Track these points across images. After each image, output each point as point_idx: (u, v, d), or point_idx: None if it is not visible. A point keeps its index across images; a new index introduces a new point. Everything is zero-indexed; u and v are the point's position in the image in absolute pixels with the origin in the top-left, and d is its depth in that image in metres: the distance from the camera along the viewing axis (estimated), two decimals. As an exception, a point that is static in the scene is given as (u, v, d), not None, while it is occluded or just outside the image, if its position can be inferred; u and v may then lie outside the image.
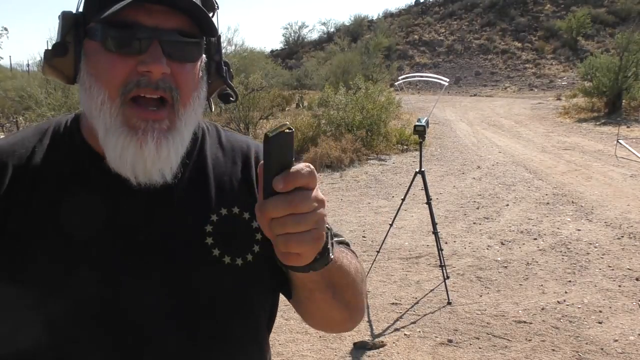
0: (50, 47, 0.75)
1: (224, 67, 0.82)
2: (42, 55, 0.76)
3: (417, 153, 5.05)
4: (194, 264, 0.77)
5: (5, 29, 14.53)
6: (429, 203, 4.04)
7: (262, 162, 0.61)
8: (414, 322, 3.63)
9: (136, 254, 0.75)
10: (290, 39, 38.92)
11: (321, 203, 0.62)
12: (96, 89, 0.73)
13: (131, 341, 0.74)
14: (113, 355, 0.74)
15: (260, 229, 0.75)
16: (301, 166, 0.60)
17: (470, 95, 22.65)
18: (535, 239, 5.17)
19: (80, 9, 0.76)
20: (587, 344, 3.27)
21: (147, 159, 0.71)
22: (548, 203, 6.33)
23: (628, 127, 11.69)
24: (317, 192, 0.62)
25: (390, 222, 4.29)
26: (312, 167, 0.61)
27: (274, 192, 0.59)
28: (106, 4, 0.70)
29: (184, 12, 0.72)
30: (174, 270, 0.76)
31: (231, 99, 0.86)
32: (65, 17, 0.74)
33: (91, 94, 0.73)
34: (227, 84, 0.84)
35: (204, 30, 0.75)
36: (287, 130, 0.60)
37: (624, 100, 13.70)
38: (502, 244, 5.08)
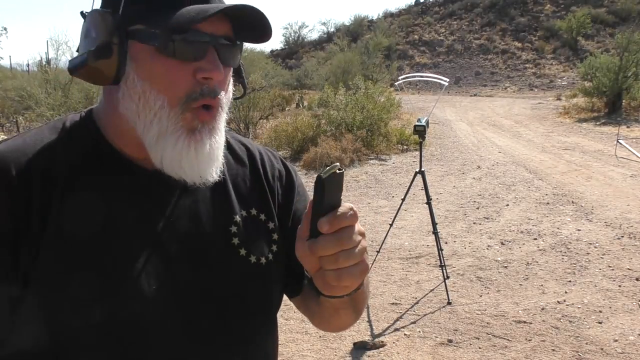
0: (92, 48, 0.71)
1: (242, 68, 0.85)
2: (80, 56, 0.73)
3: (417, 153, 5.05)
4: (225, 265, 0.79)
5: (5, 29, 14.55)
6: (429, 203, 4.04)
7: (310, 199, 0.65)
8: (414, 322, 3.63)
9: (177, 260, 0.76)
10: (290, 39, 38.93)
11: (363, 236, 0.68)
12: (153, 95, 0.72)
13: (169, 346, 0.74)
14: None
15: (276, 230, 0.85)
16: (347, 209, 0.64)
17: (470, 95, 22.64)
18: (535, 239, 5.17)
19: (114, 9, 0.72)
20: (587, 344, 3.27)
21: (204, 160, 0.74)
22: (548, 203, 6.33)
23: (628, 127, 11.69)
24: (358, 226, 0.67)
25: (390, 222, 4.28)
26: (355, 208, 0.65)
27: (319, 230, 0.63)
28: (160, 8, 0.70)
29: (249, 21, 0.75)
30: (206, 273, 0.77)
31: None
32: (106, 17, 0.71)
33: (146, 99, 0.72)
34: (244, 85, 0.86)
35: (258, 37, 0.77)
36: (338, 171, 0.62)
37: (624, 100, 13.70)
38: (502, 244, 5.08)
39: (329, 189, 0.62)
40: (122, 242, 0.73)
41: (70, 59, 0.76)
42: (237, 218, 0.82)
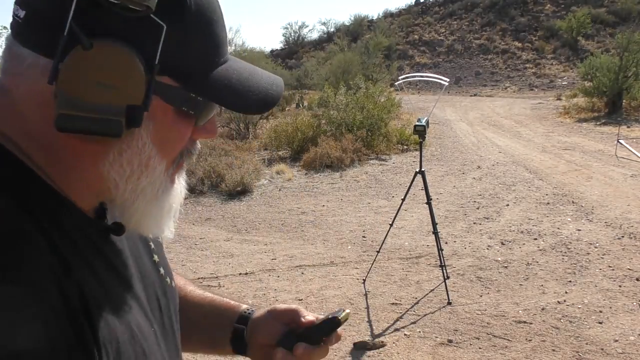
0: (121, 112, 0.53)
1: None
2: (106, 120, 0.52)
3: (417, 153, 5.05)
4: (167, 297, 0.76)
5: (5, 28, 14.53)
6: (429, 203, 4.04)
7: (315, 318, 0.85)
8: (414, 322, 3.62)
9: (153, 311, 0.72)
10: (290, 39, 38.94)
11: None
12: (157, 160, 0.60)
13: None
14: None
15: None
16: (339, 333, 0.84)
17: (471, 95, 22.64)
18: (536, 239, 5.17)
19: (142, 47, 0.53)
20: (587, 344, 3.27)
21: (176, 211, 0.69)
22: (548, 203, 6.33)
23: (628, 127, 11.69)
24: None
25: (391, 222, 4.28)
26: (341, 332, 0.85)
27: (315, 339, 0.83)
28: (203, 59, 0.59)
29: None
30: (165, 315, 0.75)
31: None
32: (138, 66, 0.52)
33: (149, 165, 0.59)
34: None
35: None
36: (344, 318, 0.83)
37: (624, 100, 13.70)
38: (502, 244, 5.07)
39: (336, 327, 0.84)
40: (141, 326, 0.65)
41: (65, 114, 0.51)
42: (152, 245, 0.77)
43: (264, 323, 0.87)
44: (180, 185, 0.67)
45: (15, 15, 0.55)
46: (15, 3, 0.55)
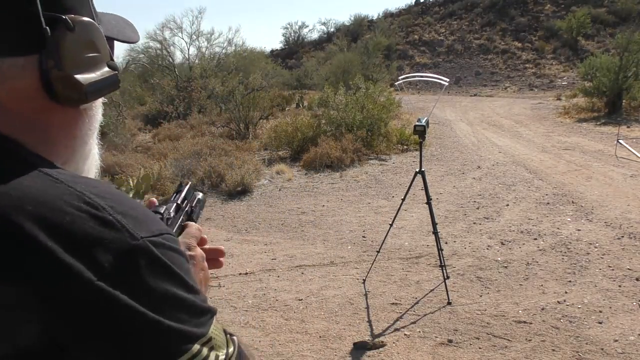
0: (111, 65, 0.68)
1: None
2: (109, 75, 0.67)
3: (417, 153, 5.05)
4: None
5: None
6: (429, 203, 4.04)
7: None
8: (414, 322, 3.62)
9: None
10: (290, 39, 38.96)
11: None
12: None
13: None
14: None
15: None
16: None
17: (470, 95, 22.64)
18: (536, 239, 5.17)
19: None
20: (587, 344, 3.27)
21: None
22: (548, 203, 6.33)
23: (628, 127, 11.69)
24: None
25: (390, 222, 4.28)
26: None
27: None
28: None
29: None
30: None
31: None
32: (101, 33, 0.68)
33: (96, 127, 0.72)
34: None
35: None
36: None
37: (624, 100, 13.70)
38: (502, 244, 5.08)
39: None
40: None
41: (82, 78, 0.62)
42: None
43: None
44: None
45: None
46: None
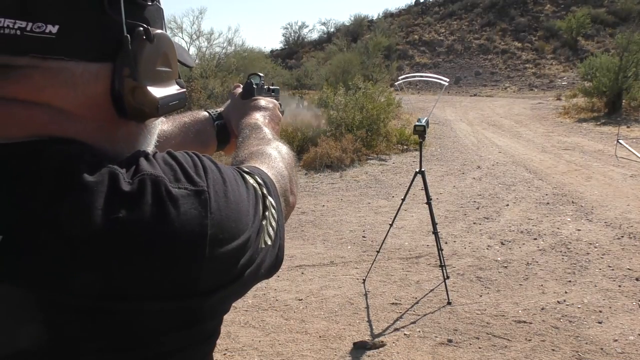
0: (178, 80, 0.68)
1: None
2: (179, 93, 0.67)
3: (417, 153, 5.05)
4: None
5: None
6: (429, 203, 4.04)
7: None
8: (414, 322, 3.63)
9: None
10: (290, 39, 38.94)
11: None
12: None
13: None
14: None
15: None
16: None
17: (470, 95, 22.64)
18: (535, 239, 5.17)
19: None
20: (587, 344, 3.27)
21: None
22: (548, 203, 6.33)
23: (628, 127, 11.69)
24: None
25: (390, 222, 4.29)
26: None
27: None
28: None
29: None
30: None
31: None
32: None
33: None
34: None
35: None
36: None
37: (624, 100, 13.70)
38: (502, 244, 5.08)
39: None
40: None
41: (161, 95, 0.61)
42: None
43: (232, 106, 1.11)
44: None
45: (38, 32, 0.53)
46: (38, 20, 0.53)
